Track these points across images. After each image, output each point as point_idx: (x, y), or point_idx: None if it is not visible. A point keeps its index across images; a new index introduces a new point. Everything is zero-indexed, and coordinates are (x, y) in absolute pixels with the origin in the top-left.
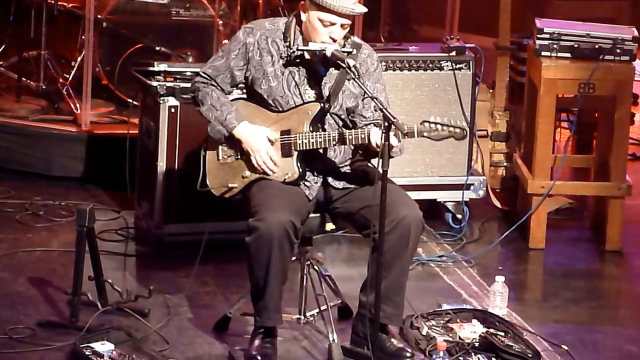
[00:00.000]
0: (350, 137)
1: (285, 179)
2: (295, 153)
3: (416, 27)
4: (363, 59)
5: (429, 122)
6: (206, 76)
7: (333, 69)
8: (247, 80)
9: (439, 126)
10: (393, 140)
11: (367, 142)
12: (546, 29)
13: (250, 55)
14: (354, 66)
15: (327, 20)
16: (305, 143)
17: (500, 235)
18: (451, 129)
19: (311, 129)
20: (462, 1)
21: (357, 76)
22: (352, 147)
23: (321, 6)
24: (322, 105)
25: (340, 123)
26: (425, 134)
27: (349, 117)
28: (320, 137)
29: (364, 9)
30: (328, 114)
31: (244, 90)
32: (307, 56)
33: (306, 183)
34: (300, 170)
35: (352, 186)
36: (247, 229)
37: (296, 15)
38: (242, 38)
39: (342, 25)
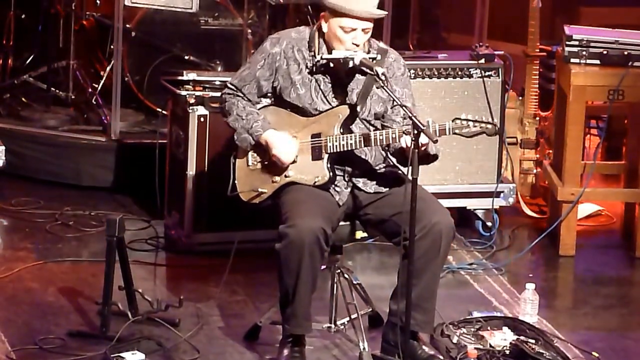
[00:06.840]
0: (380, 137)
1: (315, 182)
2: (326, 156)
3: (445, 35)
4: (390, 64)
5: (460, 119)
6: (233, 87)
7: (359, 75)
8: (276, 90)
9: (470, 123)
10: (423, 138)
11: (397, 142)
12: (575, 36)
13: (277, 65)
14: (383, 74)
15: (349, 26)
16: (336, 145)
17: (530, 242)
18: (482, 124)
19: (341, 131)
20: (491, 8)
21: (386, 84)
22: (384, 153)
23: (340, 13)
24: (351, 107)
25: (371, 128)
26: (457, 131)
27: (380, 122)
28: (350, 139)
29: (384, 12)
30: (358, 119)
31: (272, 100)
32: (332, 65)
33: (336, 188)
34: (331, 173)
35: (384, 190)
36: (278, 236)
37: (318, 27)
38: (269, 48)
39: (363, 30)
